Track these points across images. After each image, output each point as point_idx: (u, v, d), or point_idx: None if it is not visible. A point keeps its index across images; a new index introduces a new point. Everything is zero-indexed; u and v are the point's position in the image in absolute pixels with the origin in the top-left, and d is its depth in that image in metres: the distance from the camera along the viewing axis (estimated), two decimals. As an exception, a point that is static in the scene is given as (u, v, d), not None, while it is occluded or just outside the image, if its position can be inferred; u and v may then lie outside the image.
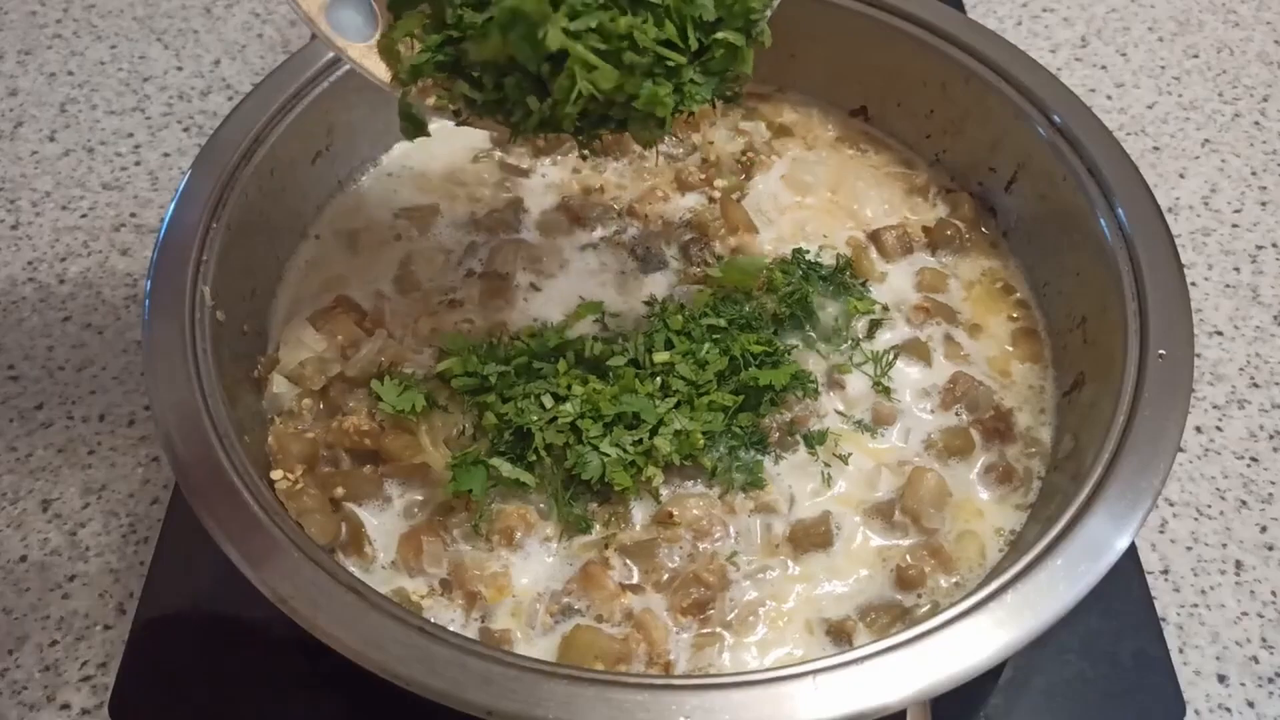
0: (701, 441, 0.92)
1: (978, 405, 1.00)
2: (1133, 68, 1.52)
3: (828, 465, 0.96)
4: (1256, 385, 1.19)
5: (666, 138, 1.19)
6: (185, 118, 1.42)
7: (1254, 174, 1.39)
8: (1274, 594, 1.04)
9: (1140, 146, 1.42)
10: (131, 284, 1.24)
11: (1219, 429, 1.16)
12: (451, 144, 1.19)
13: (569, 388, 0.93)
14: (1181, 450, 1.12)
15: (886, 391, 1.01)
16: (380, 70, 0.87)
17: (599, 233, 1.12)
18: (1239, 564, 1.06)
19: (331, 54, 1.06)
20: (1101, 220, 0.98)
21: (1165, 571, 1.05)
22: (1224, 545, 1.07)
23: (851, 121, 1.23)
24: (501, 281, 1.07)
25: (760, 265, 1.06)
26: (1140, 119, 1.46)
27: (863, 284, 1.08)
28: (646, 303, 1.06)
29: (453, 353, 0.97)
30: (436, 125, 1.29)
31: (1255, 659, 1.00)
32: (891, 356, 1.02)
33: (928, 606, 0.89)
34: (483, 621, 0.87)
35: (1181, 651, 1.00)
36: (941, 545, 0.91)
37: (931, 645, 0.74)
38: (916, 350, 1.04)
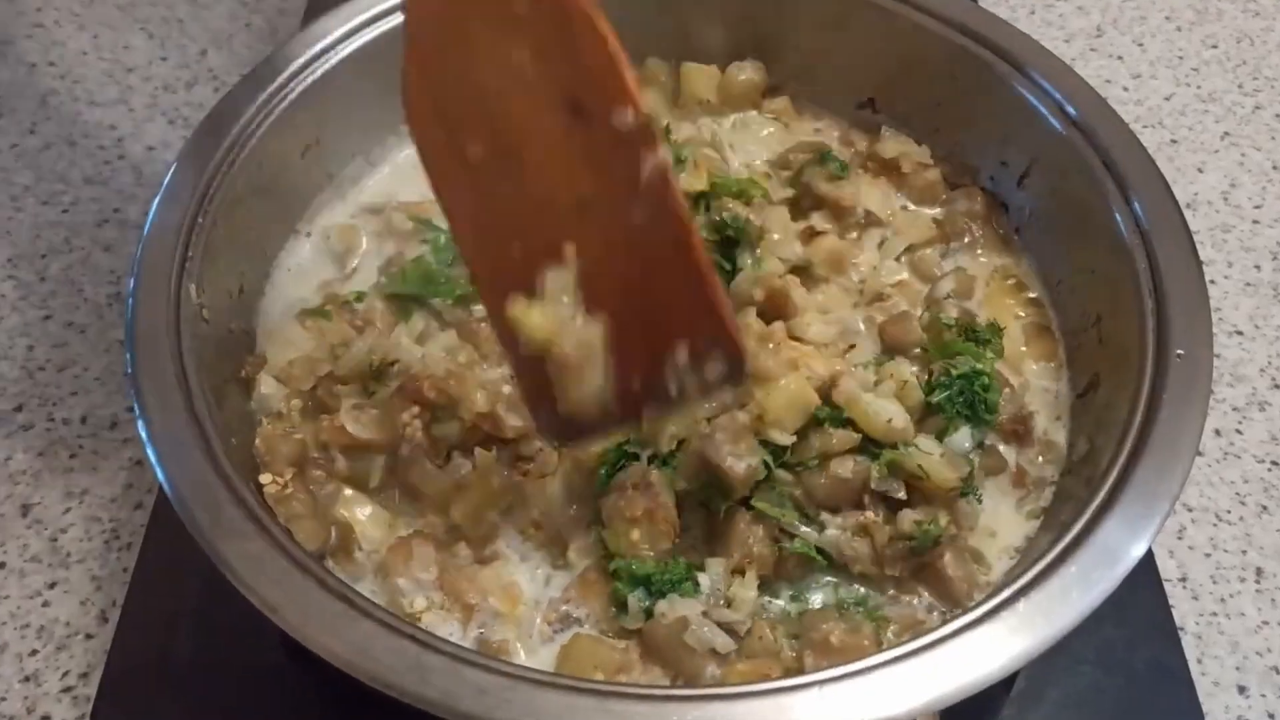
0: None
1: (990, 407, 0.97)
2: (1150, 58, 1.51)
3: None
4: (1278, 387, 1.17)
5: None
6: (170, 110, 1.40)
7: (1275, 168, 1.38)
8: (1295, 602, 1.02)
9: (1158, 139, 1.40)
10: (114, 281, 1.22)
11: (1239, 431, 1.14)
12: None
13: None
14: (1200, 454, 1.10)
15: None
16: None
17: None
18: (1259, 571, 1.04)
19: (322, 44, 1.05)
20: (1118, 216, 0.96)
21: (1183, 579, 1.04)
22: (1244, 552, 1.05)
23: (859, 113, 1.21)
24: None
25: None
26: (1158, 111, 1.44)
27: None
28: None
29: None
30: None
31: (1276, 669, 0.98)
32: (899, 356, 1.00)
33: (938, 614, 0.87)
34: (480, 632, 0.85)
35: (1200, 662, 0.99)
36: (952, 551, 0.89)
37: (941, 654, 0.72)
38: (925, 350, 1.01)
